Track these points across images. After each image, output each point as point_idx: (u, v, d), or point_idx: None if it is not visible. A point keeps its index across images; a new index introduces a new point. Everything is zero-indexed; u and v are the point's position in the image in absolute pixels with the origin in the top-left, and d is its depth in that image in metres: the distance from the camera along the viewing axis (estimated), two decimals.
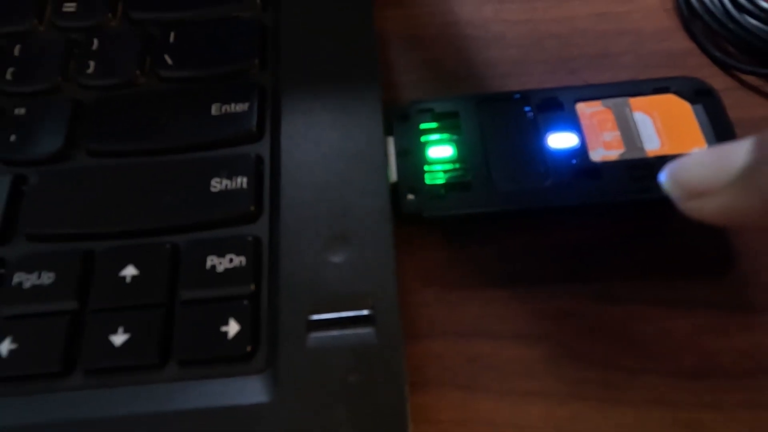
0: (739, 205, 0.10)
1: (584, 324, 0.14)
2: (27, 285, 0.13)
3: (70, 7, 0.17)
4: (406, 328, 0.13)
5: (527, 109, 0.15)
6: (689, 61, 0.18)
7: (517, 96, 0.15)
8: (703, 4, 0.18)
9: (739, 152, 0.10)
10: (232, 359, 0.12)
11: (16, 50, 0.16)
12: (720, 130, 0.14)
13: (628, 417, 0.13)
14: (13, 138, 0.15)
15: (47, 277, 0.13)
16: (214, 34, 0.16)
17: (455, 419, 0.13)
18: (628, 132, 0.14)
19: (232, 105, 0.15)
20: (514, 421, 0.13)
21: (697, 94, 0.15)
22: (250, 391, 0.12)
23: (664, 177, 0.12)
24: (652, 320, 0.14)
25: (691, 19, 0.18)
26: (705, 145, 0.14)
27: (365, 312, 0.12)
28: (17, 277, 0.13)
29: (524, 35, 0.19)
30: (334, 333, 0.12)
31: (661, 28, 0.19)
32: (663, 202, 0.14)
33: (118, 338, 0.12)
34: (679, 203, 0.11)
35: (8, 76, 0.16)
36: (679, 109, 0.14)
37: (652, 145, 0.14)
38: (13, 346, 0.12)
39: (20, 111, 0.15)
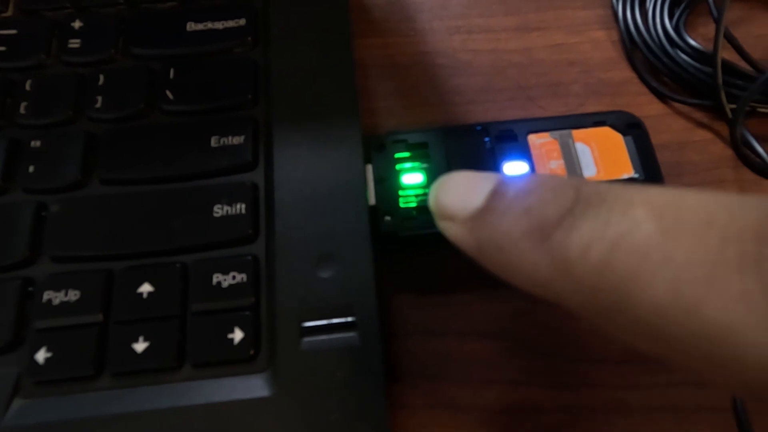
0: (463, 242, 0.11)
1: (535, 321, 0.17)
2: (56, 302, 0.14)
3: (75, 43, 0.18)
4: (384, 328, 0.16)
5: (487, 139, 0.17)
6: (629, 89, 0.20)
7: (479, 128, 0.17)
8: (642, 38, 0.21)
9: (482, 189, 0.11)
10: (237, 361, 0.14)
11: (28, 85, 0.17)
12: (645, 159, 0.16)
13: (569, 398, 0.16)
14: (31, 168, 0.16)
15: (73, 295, 0.15)
16: (210, 69, 0.18)
17: (425, 404, 0.16)
18: (571, 161, 0.17)
19: (230, 137, 0.17)
20: (474, 404, 0.16)
21: (629, 126, 0.17)
22: (253, 387, 0.14)
23: (430, 194, 0.12)
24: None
25: (632, 51, 0.21)
26: (633, 172, 0.16)
27: (350, 319, 0.14)
28: (47, 295, 0.15)
29: (488, 64, 0.21)
30: (324, 337, 0.14)
31: (606, 59, 0.21)
32: None
33: (140, 346, 0.14)
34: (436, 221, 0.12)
35: (22, 110, 0.17)
36: (613, 140, 0.17)
37: (590, 172, 0.16)
38: (48, 355, 0.14)
39: (36, 143, 0.17)
